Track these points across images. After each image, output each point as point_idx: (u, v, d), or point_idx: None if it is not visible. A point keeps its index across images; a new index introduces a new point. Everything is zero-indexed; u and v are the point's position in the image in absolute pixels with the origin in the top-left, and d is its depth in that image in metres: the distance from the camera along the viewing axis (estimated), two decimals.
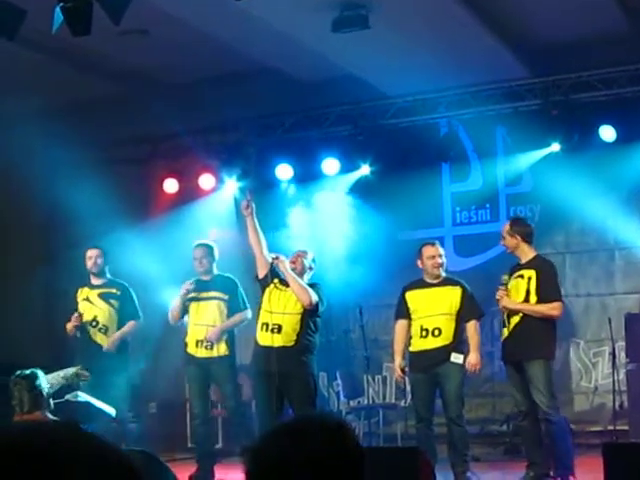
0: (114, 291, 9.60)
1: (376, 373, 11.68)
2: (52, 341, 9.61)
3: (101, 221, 10.99)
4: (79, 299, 9.54)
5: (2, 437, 1.27)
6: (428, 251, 8.64)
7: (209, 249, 9.31)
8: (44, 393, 6.58)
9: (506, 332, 8.19)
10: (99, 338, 9.44)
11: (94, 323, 9.43)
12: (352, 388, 11.34)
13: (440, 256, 8.63)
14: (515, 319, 8.07)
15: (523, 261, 8.22)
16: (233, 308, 9.11)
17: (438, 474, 7.02)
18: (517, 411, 8.31)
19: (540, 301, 8.04)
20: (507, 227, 8.37)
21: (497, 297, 8.16)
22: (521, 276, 8.16)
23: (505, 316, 8.17)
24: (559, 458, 7.98)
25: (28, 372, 6.63)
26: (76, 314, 9.36)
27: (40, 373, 6.69)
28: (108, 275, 9.66)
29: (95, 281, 9.61)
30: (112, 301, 9.55)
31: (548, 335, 8.08)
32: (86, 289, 9.59)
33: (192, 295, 9.16)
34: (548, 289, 8.09)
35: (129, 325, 9.57)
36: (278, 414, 8.26)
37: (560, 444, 7.94)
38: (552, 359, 8.12)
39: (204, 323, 9.10)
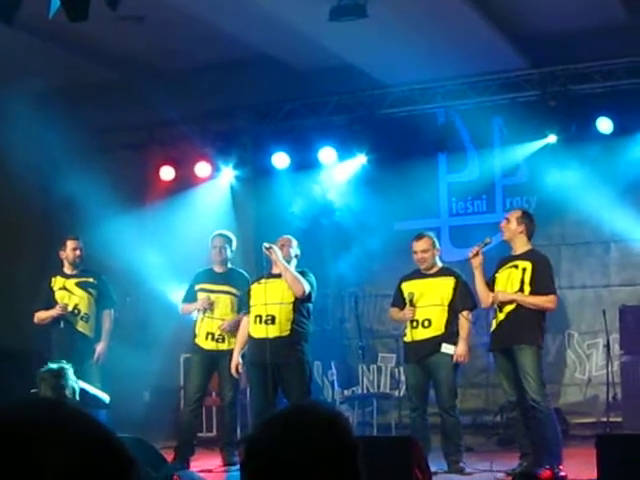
0: (91, 280, 9.62)
1: (371, 363, 11.68)
2: (43, 329, 9.61)
3: (97, 208, 10.98)
4: (55, 288, 9.53)
5: None
6: (412, 245, 8.73)
7: (228, 240, 9.31)
8: (68, 391, 6.55)
9: (495, 323, 8.18)
10: (80, 326, 9.45)
11: (76, 312, 9.44)
12: (346, 377, 11.34)
13: (422, 251, 8.64)
14: (509, 307, 8.05)
15: (517, 252, 8.21)
16: (242, 305, 9.09)
17: (432, 463, 7.03)
18: (507, 402, 8.29)
19: (534, 293, 8.01)
20: (518, 213, 8.36)
21: (470, 253, 8.18)
22: (515, 266, 8.14)
23: (497, 307, 8.15)
24: (547, 447, 7.95)
25: (55, 368, 6.60)
26: (61, 304, 9.36)
27: (67, 369, 6.66)
28: (81, 265, 9.66)
29: (69, 270, 9.59)
30: (90, 290, 9.57)
31: (540, 324, 8.07)
32: (60, 278, 9.56)
33: (203, 286, 9.20)
34: (544, 281, 8.07)
35: (107, 319, 9.60)
36: (273, 404, 8.27)
37: (547, 433, 7.91)
38: (541, 348, 8.12)
39: (215, 316, 9.12)
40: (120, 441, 1.28)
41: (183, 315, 9.60)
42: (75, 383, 6.69)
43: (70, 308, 9.40)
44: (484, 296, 8.25)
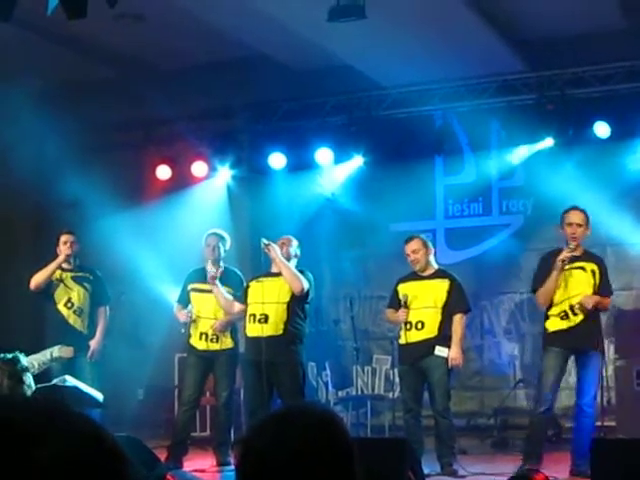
0: (87, 275, 9.63)
1: (365, 364, 11.66)
2: (36, 325, 9.60)
3: (94, 206, 10.98)
4: (52, 279, 9.52)
5: None
6: (405, 247, 8.71)
7: (222, 239, 9.31)
8: (25, 378, 6.53)
9: (567, 324, 8.12)
10: (72, 319, 9.45)
11: (69, 305, 9.44)
12: (341, 378, 11.34)
13: (413, 252, 8.65)
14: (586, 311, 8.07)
15: (576, 253, 8.18)
16: (237, 302, 9.07)
17: (425, 465, 7.04)
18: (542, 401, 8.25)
19: (600, 294, 8.13)
20: (583, 216, 8.27)
21: (561, 257, 8.04)
22: (582, 268, 8.13)
23: (567, 308, 8.11)
24: (585, 454, 7.95)
25: (10, 356, 6.57)
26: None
27: (22, 358, 6.64)
28: (77, 260, 9.66)
29: (66, 265, 9.59)
30: (86, 285, 9.58)
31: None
32: (58, 270, 9.56)
33: (195, 285, 9.21)
34: (608, 284, 8.25)
35: (102, 315, 9.59)
36: (267, 404, 8.26)
37: (589, 439, 7.96)
38: None
39: (207, 316, 9.12)
40: (114, 439, 1.28)
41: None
42: (29, 371, 6.67)
43: (63, 300, 9.39)
44: (550, 295, 8.17)
